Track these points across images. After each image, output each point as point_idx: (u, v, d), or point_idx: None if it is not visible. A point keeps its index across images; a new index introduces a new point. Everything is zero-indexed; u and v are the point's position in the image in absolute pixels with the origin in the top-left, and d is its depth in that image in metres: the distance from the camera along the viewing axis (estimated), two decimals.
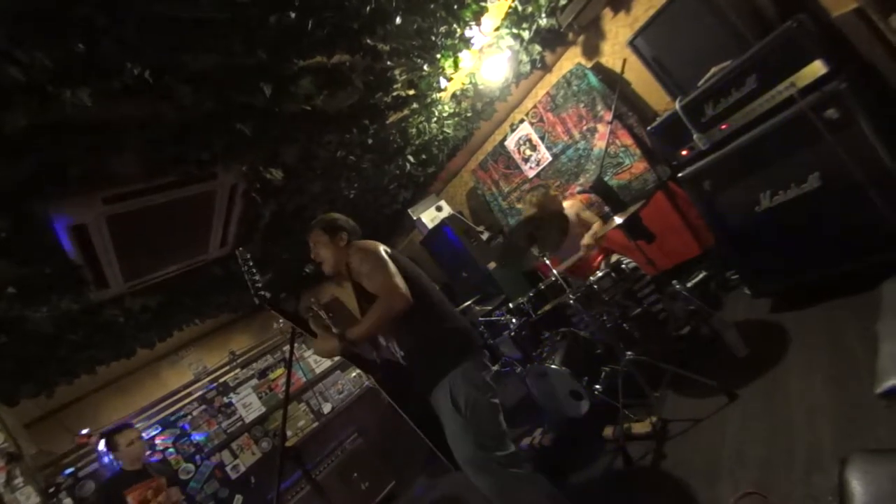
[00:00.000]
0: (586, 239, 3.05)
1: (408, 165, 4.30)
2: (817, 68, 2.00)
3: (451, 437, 1.75)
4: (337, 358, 4.38)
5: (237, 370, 4.06)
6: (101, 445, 3.10)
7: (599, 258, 3.29)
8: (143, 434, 3.42)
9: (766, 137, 2.20)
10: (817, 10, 2.30)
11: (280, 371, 4.16)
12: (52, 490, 2.95)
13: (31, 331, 2.75)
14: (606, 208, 3.78)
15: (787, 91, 2.08)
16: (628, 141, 3.76)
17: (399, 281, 1.72)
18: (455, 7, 2.64)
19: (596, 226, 3.20)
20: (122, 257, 2.70)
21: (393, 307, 1.68)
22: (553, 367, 2.60)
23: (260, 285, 1.95)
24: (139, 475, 2.80)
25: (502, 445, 1.70)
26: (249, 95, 2.16)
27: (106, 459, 3.15)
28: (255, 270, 1.97)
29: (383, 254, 1.84)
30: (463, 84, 3.75)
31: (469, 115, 4.23)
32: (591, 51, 3.82)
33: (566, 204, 3.42)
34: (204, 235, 3.15)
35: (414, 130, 3.83)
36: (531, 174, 4.61)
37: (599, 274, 2.81)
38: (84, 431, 3.39)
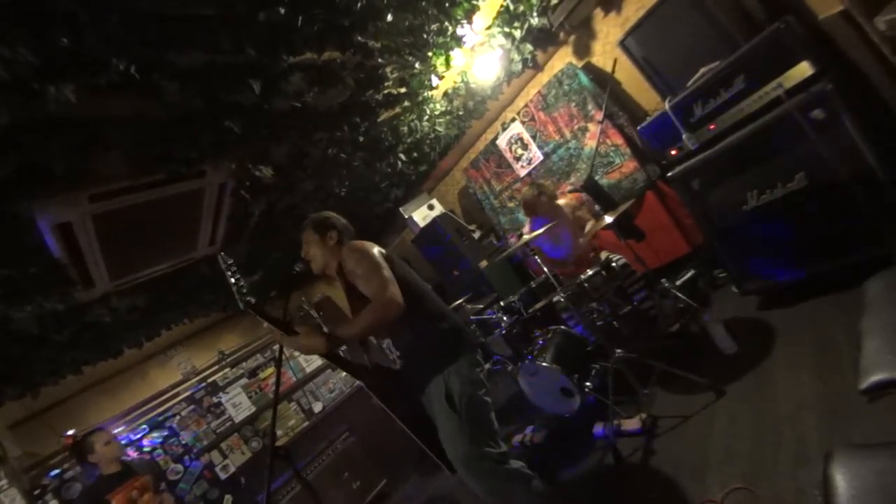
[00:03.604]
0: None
1: (399, 164, 4.28)
2: (804, 69, 2.03)
3: (445, 435, 1.74)
4: None
5: (226, 370, 4.03)
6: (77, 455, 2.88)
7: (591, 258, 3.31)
8: (131, 435, 3.38)
9: (753, 137, 2.22)
10: (804, 12, 2.32)
11: (270, 370, 4.13)
12: (37, 492, 2.91)
13: (14, 331, 2.70)
14: (597, 207, 3.80)
15: (775, 91, 2.10)
16: (619, 140, 3.78)
17: (394, 287, 1.69)
18: (447, 5, 2.63)
19: (590, 225, 3.23)
20: (109, 256, 2.66)
21: (387, 313, 1.65)
22: (544, 364, 2.62)
23: (245, 290, 1.92)
24: (120, 476, 2.71)
25: (495, 443, 1.71)
26: (238, 92, 2.14)
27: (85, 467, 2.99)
28: (238, 276, 1.94)
29: (378, 256, 1.81)
30: (454, 82, 3.74)
31: (461, 113, 4.22)
32: (582, 50, 3.83)
33: (561, 201, 3.44)
34: (192, 233, 3.12)
35: (405, 128, 3.81)
36: (522, 173, 4.61)
37: (590, 272, 2.83)
38: (70, 432, 3.34)
